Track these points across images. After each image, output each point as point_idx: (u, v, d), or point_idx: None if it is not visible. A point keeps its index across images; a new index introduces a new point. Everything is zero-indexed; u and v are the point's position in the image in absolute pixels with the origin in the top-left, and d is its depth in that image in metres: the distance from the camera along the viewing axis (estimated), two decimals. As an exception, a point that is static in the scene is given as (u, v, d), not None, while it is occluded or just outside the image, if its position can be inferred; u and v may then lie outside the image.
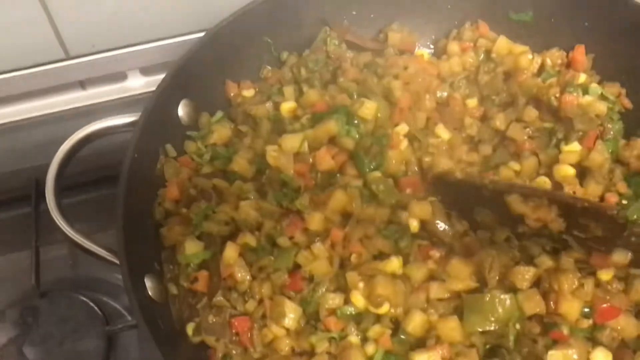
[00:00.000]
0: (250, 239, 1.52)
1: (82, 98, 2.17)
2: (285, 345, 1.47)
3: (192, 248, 1.53)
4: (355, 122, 1.63)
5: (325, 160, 1.59)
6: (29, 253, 1.86)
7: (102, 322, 1.75)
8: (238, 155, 1.66)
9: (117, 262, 1.43)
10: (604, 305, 1.40)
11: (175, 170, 1.68)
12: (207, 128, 1.77)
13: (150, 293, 1.46)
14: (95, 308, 1.78)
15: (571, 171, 1.63)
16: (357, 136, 1.63)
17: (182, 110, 1.74)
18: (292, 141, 1.61)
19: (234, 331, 1.48)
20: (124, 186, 1.48)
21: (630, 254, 1.37)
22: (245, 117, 1.80)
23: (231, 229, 1.56)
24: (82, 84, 2.16)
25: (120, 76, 2.16)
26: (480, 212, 1.54)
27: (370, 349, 1.43)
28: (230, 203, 1.58)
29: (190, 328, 1.51)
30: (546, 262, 1.44)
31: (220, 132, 1.76)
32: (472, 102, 1.81)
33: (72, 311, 1.77)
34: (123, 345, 1.75)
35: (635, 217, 1.38)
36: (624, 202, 1.61)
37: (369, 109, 1.65)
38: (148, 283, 1.47)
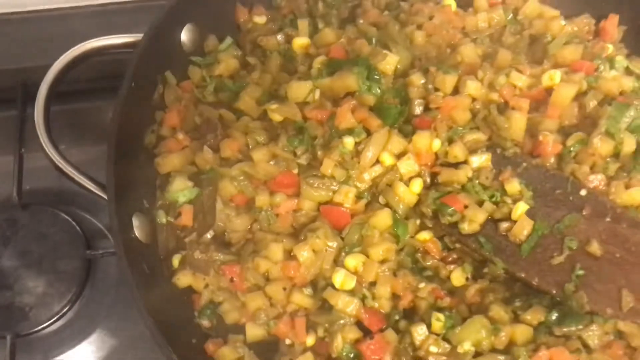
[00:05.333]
0: None
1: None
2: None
3: (180, 185, 1.48)
4: (376, 76, 1.52)
5: (346, 118, 1.47)
6: (11, 159, 1.76)
7: (83, 243, 1.71)
8: (245, 92, 1.57)
9: (106, 197, 1.36)
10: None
11: (177, 97, 1.59)
12: (214, 55, 1.66)
13: (137, 233, 1.41)
14: (77, 228, 1.73)
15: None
16: (379, 92, 1.51)
17: (185, 36, 1.62)
18: (300, 89, 1.51)
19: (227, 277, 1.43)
20: (117, 119, 1.39)
21: None
22: (254, 48, 1.69)
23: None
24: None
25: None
26: None
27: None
28: (236, 140, 1.51)
29: (176, 259, 1.48)
30: None
31: (228, 62, 1.64)
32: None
33: (53, 228, 1.72)
34: (103, 269, 1.73)
35: None
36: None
37: (390, 63, 1.54)
38: (135, 222, 1.42)
